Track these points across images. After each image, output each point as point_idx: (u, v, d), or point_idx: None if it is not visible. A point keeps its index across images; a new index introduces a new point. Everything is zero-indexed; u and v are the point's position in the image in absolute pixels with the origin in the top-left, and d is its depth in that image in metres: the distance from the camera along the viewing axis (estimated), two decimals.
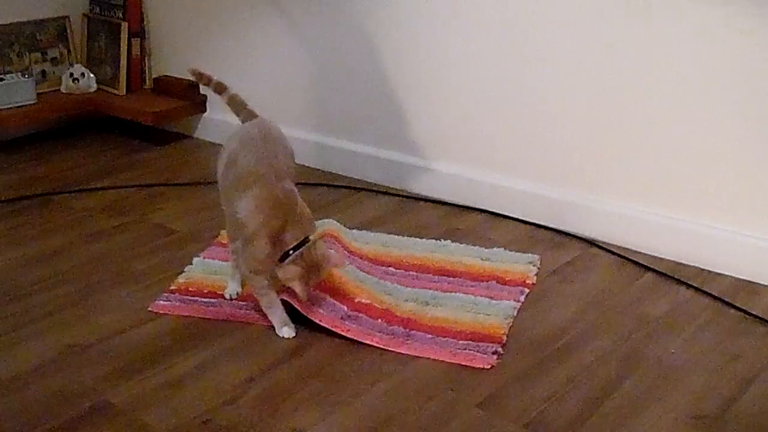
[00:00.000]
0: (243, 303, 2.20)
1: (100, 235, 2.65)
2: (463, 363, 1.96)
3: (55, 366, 1.95)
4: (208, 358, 1.98)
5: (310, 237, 2.04)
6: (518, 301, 2.22)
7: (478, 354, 1.98)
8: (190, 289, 2.28)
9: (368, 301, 2.15)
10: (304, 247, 2.01)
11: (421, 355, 1.99)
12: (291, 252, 2.00)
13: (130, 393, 1.85)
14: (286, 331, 2.07)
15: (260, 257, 2.03)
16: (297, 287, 2.01)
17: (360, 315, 2.11)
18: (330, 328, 2.06)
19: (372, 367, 1.95)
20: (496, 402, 1.83)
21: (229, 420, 1.76)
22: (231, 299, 2.22)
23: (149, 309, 2.19)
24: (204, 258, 2.44)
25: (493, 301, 2.20)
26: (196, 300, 2.22)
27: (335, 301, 2.12)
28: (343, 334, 2.05)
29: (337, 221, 2.56)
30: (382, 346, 2.02)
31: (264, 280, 2.07)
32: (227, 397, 1.83)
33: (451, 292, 2.26)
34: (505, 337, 2.05)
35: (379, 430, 1.74)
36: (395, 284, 2.29)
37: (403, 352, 2.01)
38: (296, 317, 2.10)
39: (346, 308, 2.12)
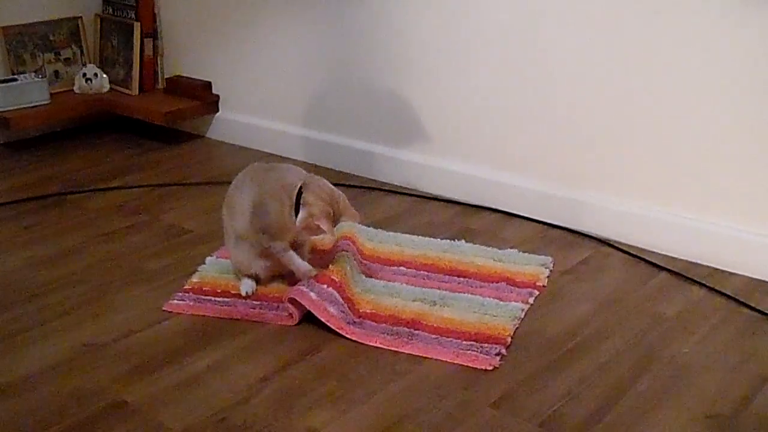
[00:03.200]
0: (257, 302, 2.21)
1: (113, 235, 2.66)
2: (465, 364, 1.95)
3: (69, 365, 1.96)
4: (222, 358, 1.99)
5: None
6: (527, 303, 2.21)
7: (481, 355, 1.98)
8: (203, 288, 2.28)
9: (372, 311, 2.16)
10: (304, 186, 2.15)
11: (424, 355, 1.99)
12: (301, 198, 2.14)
13: (145, 392, 1.85)
14: (307, 270, 2.21)
15: (275, 217, 2.15)
16: (323, 224, 2.11)
17: (364, 321, 2.12)
18: (336, 329, 2.06)
19: (386, 367, 1.95)
20: (509, 401, 1.83)
21: (243, 419, 1.76)
22: (247, 295, 2.22)
23: (163, 308, 2.20)
24: (217, 257, 2.44)
25: (501, 303, 2.20)
26: (210, 299, 2.23)
27: (345, 304, 2.13)
28: (347, 336, 2.06)
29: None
30: (385, 347, 2.03)
31: (283, 243, 2.19)
32: (241, 396, 1.84)
33: (460, 292, 2.25)
34: (509, 339, 2.04)
35: (393, 429, 1.74)
36: (404, 284, 2.29)
37: (406, 351, 2.01)
38: (306, 317, 2.11)
39: (352, 315, 2.13)
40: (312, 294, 2.10)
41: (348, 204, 2.20)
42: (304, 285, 2.14)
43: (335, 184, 2.90)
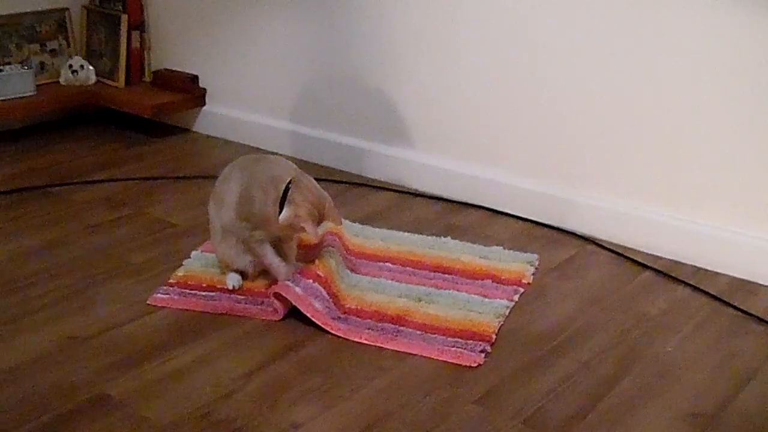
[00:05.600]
0: (242, 297, 2.20)
1: (98, 228, 2.65)
2: (450, 360, 1.96)
3: (53, 358, 1.95)
4: (206, 352, 1.98)
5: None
6: (512, 300, 2.22)
7: (466, 352, 1.98)
8: (188, 282, 2.28)
9: (357, 306, 2.16)
10: (293, 183, 2.12)
11: (408, 352, 1.99)
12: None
13: (129, 386, 1.85)
14: (284, 271, 2.18)
15: (258, 207, 2.14)
16: (308, 226, 2.09)
17: (349, 317, 2.12)
18: (321, 325, 2.06)
19: (371, 363, 1.95)
20: (494, 398, 1.83)
21: (227, 414, 1.76)
22: (234, 289, 2.22)
23: (148, 302, 2.19)
24: (202, 252, 2.44)
25: (486, 300, 2.20)
26: (195, 293, 2.22)
27: (330, 299, 2.13)
28: (332, 332, 2.06)
29: None
30: (370, 343, 2.03)
31: (262, 234, 2.17)
32: (226, 391, 1.83)
33: (445, 289, 2.26)
34: (494, 336, 2.05)
35: (378, 425, 1.74)
36: (390, 280, 2.29)
37: (391, 348, 2.01)
38: (291, 312, 2.11)
39: (337, 310, 2.13)
40: (297, 289, 2.09)
41: (333, 207, 2.18)
42: (289, 280, 2.14)
43: (322, 179, 2.92)
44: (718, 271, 2.39)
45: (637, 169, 2.51)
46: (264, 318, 2.12)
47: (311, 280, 2.12)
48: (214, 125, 3.56)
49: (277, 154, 3.26)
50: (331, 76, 3.15)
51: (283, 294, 2.09)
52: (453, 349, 1.99)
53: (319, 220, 2.14)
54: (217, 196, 2.24)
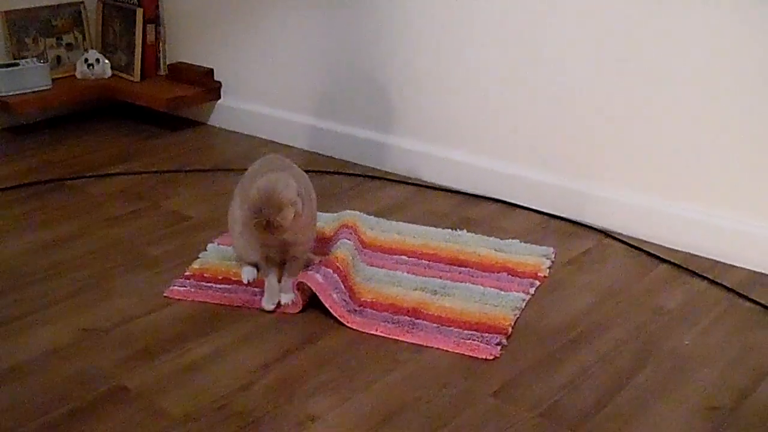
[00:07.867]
0: (258, 289, 2.20)
1: (114, 221, 2.66)
2: (466, 353, 1.96)
3: (71, 350, 1.96)
4: (223, 344, 1.99)
5: None
6: (528, 293, 2.21)
7: (482, 345, 1.98)
8: (204, 275, 2.28)
9: (373, 299, 2.16)
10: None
11: (425, 344, 1.99)
12: None
13: (146, 378, 1.86)
14: (266, 297, 2.13)
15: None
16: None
17: (365, 310, 2.12)
18: (337, 317, 2.07)
19: (387, 355, 1.95)
20: (510, 391, 1.83)
21: (244, 406, 1.76)
22: (249, 283, 2.23)
23: (164, 294, 2.19)
24: (218, 244, 2.44)
25: (502, 293, 2.20)
26: (211, 286, 2.23)
27: (346, 292, 2.14)
28: (348, 325, 2.06)
29: (354, 209, 2.60)
30: (386, 335, 2.03)
31: (265, 250, 2.13)
32: (242, 383, 1.84)
33: (461, 282, 2.25)
34: (510, 329, 2.04)
35: (394, 417, 1.74)
36: (405, 273, 2.29)
37: (406, 340, 2.01)
38: (307, 305, 2.12)
39: (353, 304, 2.13)
40: (318, 276, 2.09)
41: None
42: (310, 269, 2.14)
43: (338, 173, 2.93)
44: (736, 264, 2.38)
45: (654, 162, 2.50)
46: (279, 310, 2.12)
47: (331, 271, 2.13)
48: (230, 119, 3.57)
49: (291, 147, 3.28)
50: (346, 70, 3.15)
51: (306, 282, 2.09)
52: (469, 341, 1.99)
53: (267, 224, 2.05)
54: (240, 191, 2.23)
